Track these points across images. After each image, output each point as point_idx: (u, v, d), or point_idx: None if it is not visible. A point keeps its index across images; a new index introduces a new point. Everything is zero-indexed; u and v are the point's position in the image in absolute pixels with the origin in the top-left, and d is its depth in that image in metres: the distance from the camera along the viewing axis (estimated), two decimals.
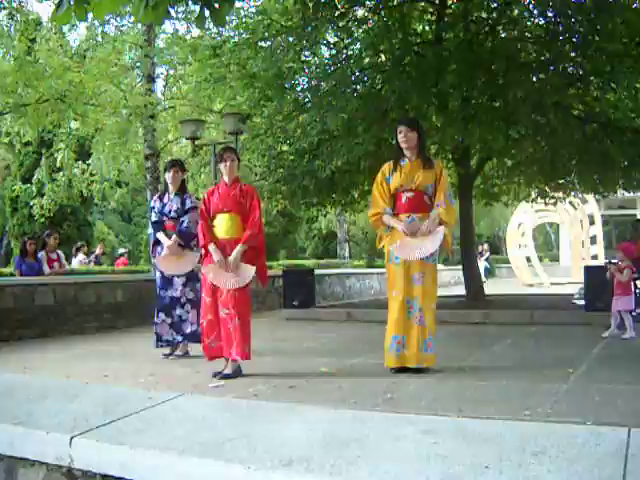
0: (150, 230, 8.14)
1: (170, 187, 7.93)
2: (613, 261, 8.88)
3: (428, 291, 6.20)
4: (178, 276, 7.73)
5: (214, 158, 14.15)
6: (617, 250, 9.14)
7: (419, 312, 6.16)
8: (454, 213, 6.53)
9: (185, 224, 7.66)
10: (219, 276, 6.22)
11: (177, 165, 8.06)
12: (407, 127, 6.36)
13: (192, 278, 7.82)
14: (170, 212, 7.79)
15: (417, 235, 6.16)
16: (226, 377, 6.04)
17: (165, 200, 7.90)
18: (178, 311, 7.75)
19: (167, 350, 7.79)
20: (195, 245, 7.48)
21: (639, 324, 8.55)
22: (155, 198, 8.12)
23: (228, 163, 6.48)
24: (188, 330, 7.76)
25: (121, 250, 23.37)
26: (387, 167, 6.47)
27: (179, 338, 7.75)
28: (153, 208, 7.99)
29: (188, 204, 7.83)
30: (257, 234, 6.36)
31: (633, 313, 8.54)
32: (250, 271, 6.27)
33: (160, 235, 7.75)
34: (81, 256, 16.74)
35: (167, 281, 7.79)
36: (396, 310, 6.22)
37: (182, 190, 7.97)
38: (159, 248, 7.79)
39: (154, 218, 7.91)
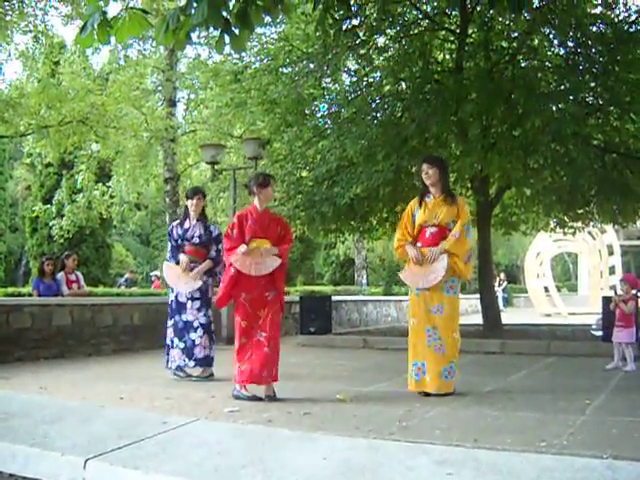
0: (168, 255, 8.20)
1: (192, 214, 8.01)
2: (619, 292, 8.82)
3: (448, 321, 6.41)
4: (193, 299, 7.77)
5: (233, 183, 14.19)
6: (622, 281, 9.06)
7: (439, 341, 6.37)
8: (465, 244, 6.57)
9: (214, 251, 7.92)
10: (245, 261, 6.34)
11: (200, 193, 8.23)
12: (428, 164, 6.64)
13: (206, 303, 7.88)
14: (193, 237, 7.90)
15: (423, 264, 6.43)
16: (273, 399, 6.16)
17: (186, 226, 7.99)
18: (191, 335, 7.78)
19: (181, 374, 7.81)
20: (220, 272, 7.53)
21: None
22: (175, 224, 8.19)
23: (270, 189, 6.60)
24: (201, 355, 7.78)
25: (156, 273, 23.52)
26: (414, 203, 6.74)
27: (191, 363, 7.76)
28: (171, 234, 8.06)
29: (215, 232, 8.04)
30: (285, 259, 6.51)
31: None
32: (274, 261, 6.39)
33: (182, 256, 7.82)
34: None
35: (181, 305, 7.83)
36: (415, 337, 6.50)
37: (203, 216, 8.10)
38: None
39: (174, 243, 7.98)
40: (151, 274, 25.36)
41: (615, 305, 8.57)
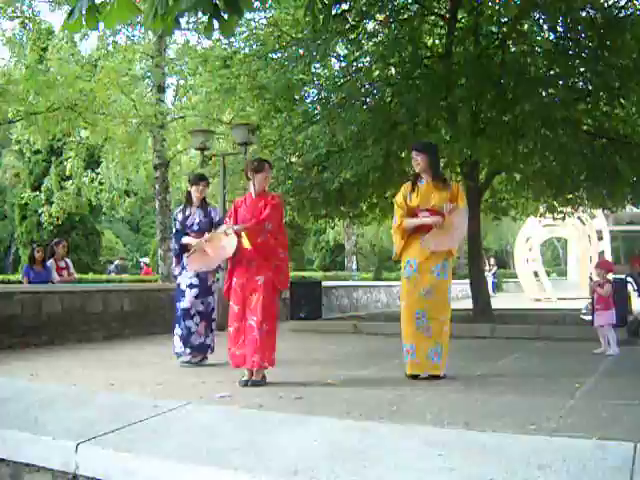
0: (173, 243, 8.20)
1: (194, 200, 8.03)
2: (594, 278, 8.88)
3: (437, 304, 6.46)
4: (191, 287, 7.76)
5: (223, 169, 14.18)
6: (596, 267, 9.10)
7: (427, 323, 6.41)
8: (462, 213, 6.63)
9: None
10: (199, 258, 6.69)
11: (205, 180, 8.26)
12: (416, 151, 6.74)
13: (205, 291, 7.87)
14: (193, 225, 7.91)
15: (441, 226, 6.44)
16: (256, 384, 6.15)
17: (187, 213, 8.00)
18: (187, 323, 7.78)
19: (185, 358, 7.83)
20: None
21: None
22: (178, 210, 8.21)
23: (262, 174, 6.62)
24: (196, 342, 7.80)
25: (145, 259, 23.57)
26: (407, 187, 6.77)
27: (187, 351, 7.77)
28: (176, 220, 8.05)
29: (216, 217, 8.03)
30: (259, 227, 6.40)
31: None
32: (229, 243, 6.45)
33: (186, 238, 7.84)
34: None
35: (180, 293, 7.84)
36: (405, 321, 6.55)
37: (204, 203, 8.10)
38: (183, 258, 7.79)
39: (178, 227, 7.97)
40: (140, 260, 25.38)
41: (593, 291, 8.63)
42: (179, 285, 7.90)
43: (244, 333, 6.33)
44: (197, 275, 7.76)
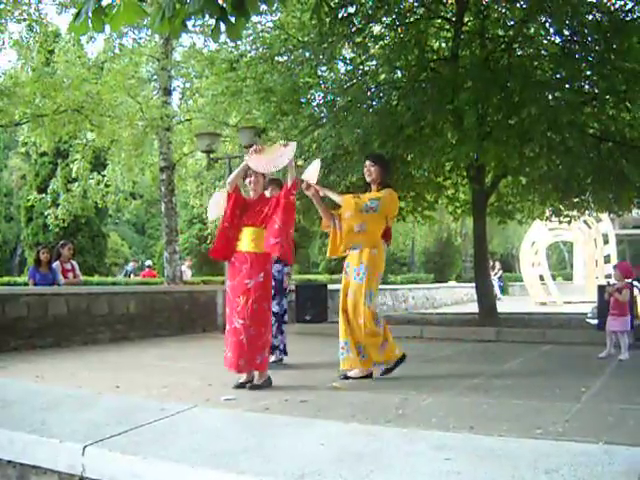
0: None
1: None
2: (612, 282, 8.85)
3: (353, 306, 6.70)
4: None
5: (229, 171, 14.18)
6: (615, 268, 9.06)
7: (353, 322, 6.74)
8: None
9: None
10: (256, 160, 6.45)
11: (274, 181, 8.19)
12: (371, 162, 7.07)
13: (280, 292, 7.95)
14: None
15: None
16: (256, 388, 6.17)
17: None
18: None
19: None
20: None
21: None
22: None
23: (252, 179, 6.64)
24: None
25: (148, 262, 23.70)
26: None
27: None
28: None
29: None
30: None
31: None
32: (290, 148, 6.49)
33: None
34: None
35: None
36: (339, 318, 6.85)
37: None
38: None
39: None
40: (146, 263, 25.49)
41: (609, 295, 8.59)
42: None
43: (230, 336, 6.34)
44: (273, 277, 7.76)
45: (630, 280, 9.59)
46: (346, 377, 6.78)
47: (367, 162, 7.10)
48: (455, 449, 3.80)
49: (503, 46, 12.36)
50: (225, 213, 6.59)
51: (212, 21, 4.45)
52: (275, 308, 7.77)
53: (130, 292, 11.95)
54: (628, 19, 11.12)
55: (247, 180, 6.65)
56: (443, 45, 14.15)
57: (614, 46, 10.86)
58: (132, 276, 21.12)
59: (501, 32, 12.73)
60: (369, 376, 6.83)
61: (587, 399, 5.46)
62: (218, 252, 6.64)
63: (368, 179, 7.06)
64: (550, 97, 11.57)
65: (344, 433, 4.29)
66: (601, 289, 11.15)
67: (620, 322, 8.35)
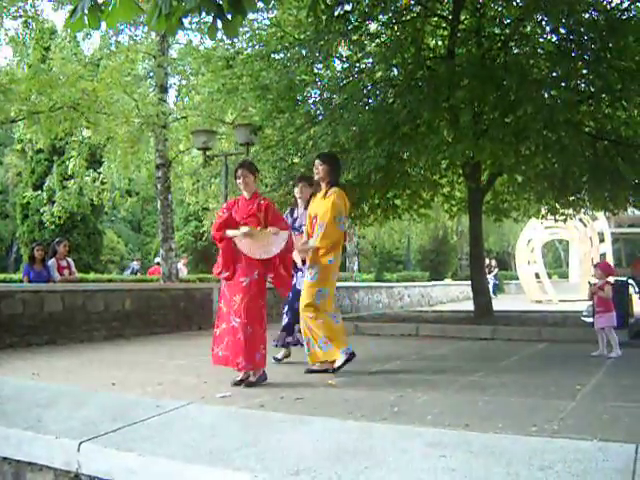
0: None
1: (299, 202, 8.19)
2: (593, 281, 8.88)
3: (304, 301, 6.97)
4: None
5: (225, 169, 14.19)
6: (595, 268, 9.07)
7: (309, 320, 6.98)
8: (327, 238, 6.99)
9: None
10: (247, 245, 6.40)
11: (305, 179, 8.34)
12: (320, 161, 7.26)
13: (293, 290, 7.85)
14: (301, 227, 7.84)
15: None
16: (251, 385, 6.16)
17: (295, 215, 8.14)
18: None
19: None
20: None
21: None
22: (287, 212, 8.31)
23: (241, 180, 6.63)
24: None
25: (157, 259, 23.78)
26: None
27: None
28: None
29: None
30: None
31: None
32: (280, 238, 6.50)
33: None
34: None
35: (298, 293, 7.69)
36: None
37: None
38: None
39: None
40: (155, 260, 25.64)
41: (592, 293, 8.62)
42: (295, 285, 7.75)
43: (227, 335, 6.33)
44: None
45: (625, 278, 9.61)
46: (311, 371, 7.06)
47: (316, 161, 7.30)
48: (450, 446, 3.81)
49: (499, 44, 12.37)
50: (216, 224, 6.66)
51: (209, 18, 4.45)
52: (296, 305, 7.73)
53: (126, 289, 11.93)
54: (624, 18, 11.12)
55: (237, 181, 6.66)
56: (439, 43, 14.16)
57: (610, 45, 10.88)
58: (139, 274, 21.18)
59: (497, 30, 12.74)
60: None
61: (582, 397, 5.46)
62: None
63: (316, 177, 7.28)
64: (546, 95, 11.58)
65: (339, 430, 4.29)
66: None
67: (606, 318, 8.37)
